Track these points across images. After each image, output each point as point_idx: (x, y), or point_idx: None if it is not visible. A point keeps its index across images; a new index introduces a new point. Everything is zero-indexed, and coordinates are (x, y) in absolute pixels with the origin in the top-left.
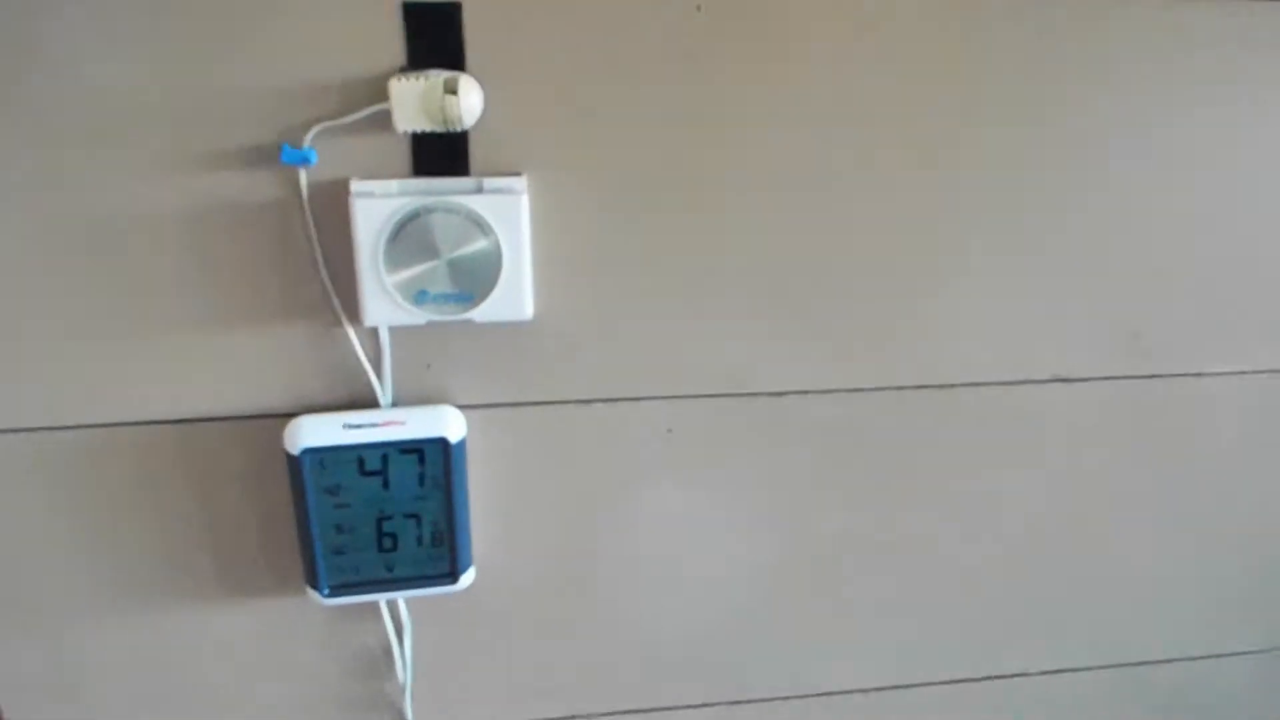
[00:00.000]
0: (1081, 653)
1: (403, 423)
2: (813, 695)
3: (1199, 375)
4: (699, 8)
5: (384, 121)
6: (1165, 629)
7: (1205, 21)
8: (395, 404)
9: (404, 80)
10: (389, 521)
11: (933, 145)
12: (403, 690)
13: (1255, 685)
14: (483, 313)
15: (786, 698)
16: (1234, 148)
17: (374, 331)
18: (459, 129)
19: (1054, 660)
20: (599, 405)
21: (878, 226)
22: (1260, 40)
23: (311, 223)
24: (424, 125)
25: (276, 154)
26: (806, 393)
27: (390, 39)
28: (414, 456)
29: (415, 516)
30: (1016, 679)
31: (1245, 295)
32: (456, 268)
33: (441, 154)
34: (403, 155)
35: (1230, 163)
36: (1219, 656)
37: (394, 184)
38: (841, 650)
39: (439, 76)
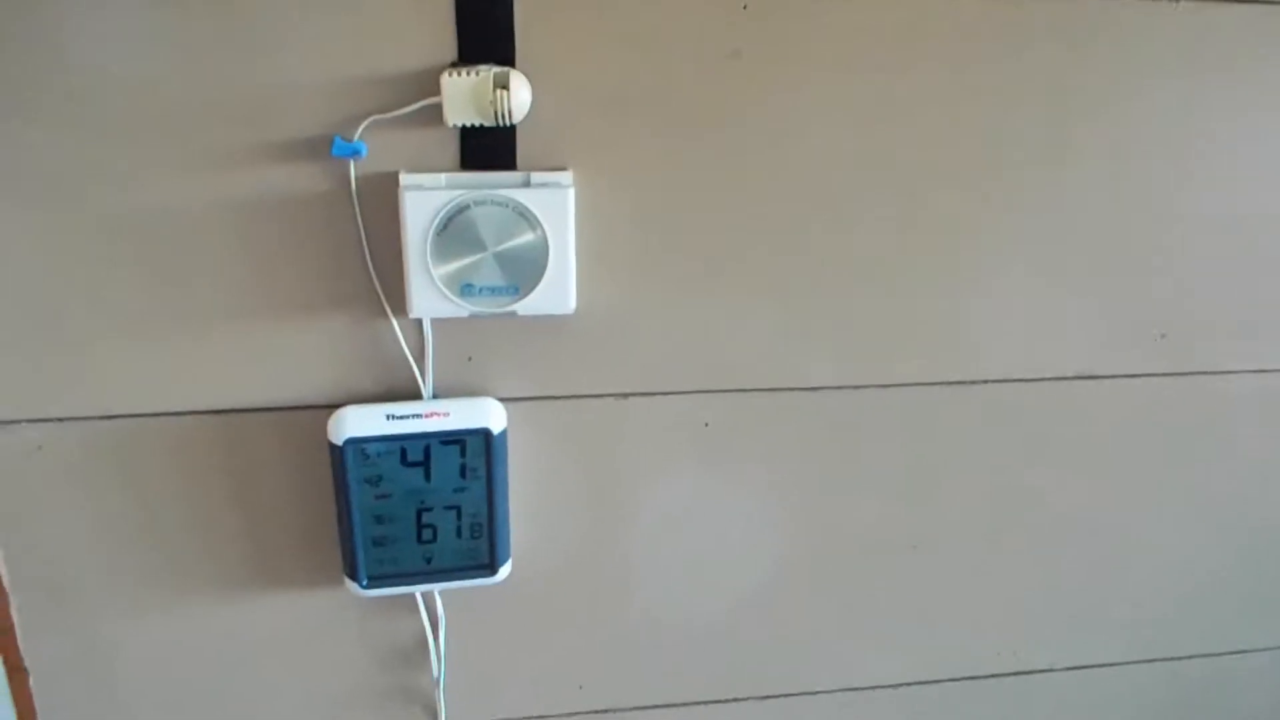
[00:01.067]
0: (1107, 649)
1: (446, 414)
2: (843, 690)
3: (1225, 373)
4: (745, 6)
5: (434, 115)
6: (1190, 625)
7: (1234, 22)
8: (436, 396)
9: (455, 75)
10: (429, 513)
11: (966, 150)
12: (435, 683)
13: (1279, 681)
14: (528, 306)
15: (817, 692)
16: (1261, 148)
17: (417, 323)
18: (508, 124)
19: (1079, 656)
20: (637, 399)
21: (910, 225)
22: None
23: (360, 215)
24: (474, 119)
25: (327, 147)
26: (839, 388)
27: (442, 33)
28: (456, 448)
29: (455, 508)
30: (1042, 674)
31: (1272, 294)
32: (503, 260)
33: (490, 148)
34: (451, 149)
35: (1257, 163)
36: (1244, 652)
37: (443, 177)
38: (872, 645)
39: (490, 71)
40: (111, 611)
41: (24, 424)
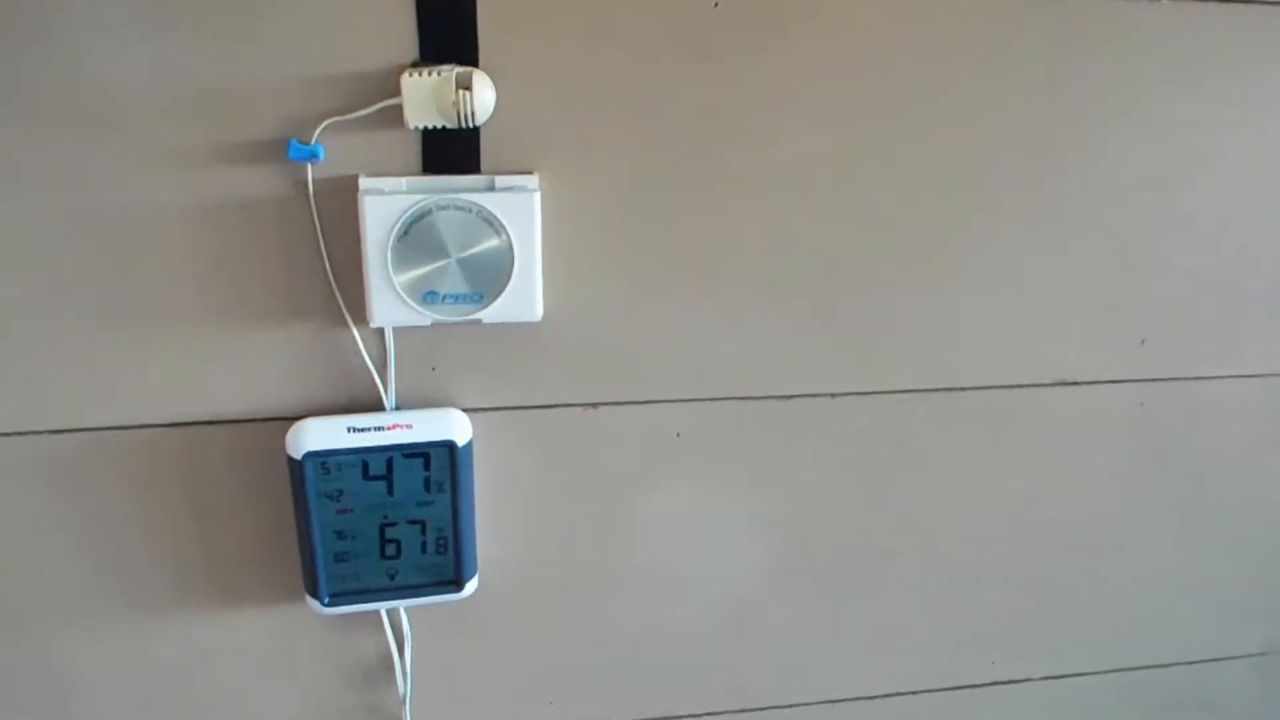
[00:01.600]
0: (1085, 658)
1: (409, 426)
2: (819, 702)
3: (1203, 379)
4: (716, 4)
5: (394, 117)
6: (1168, 632)
7: (1225, 24)
8: (399, 407)
9: (416, 75)
10: (392, 528)
11: (944, 151)
12: (402, 701)
13: (1257, 689)
14: (493, 313)
15: (793, 705)
16: (1242, 152)
17: (378, 332)
18: (471, 125)
19: (1057, 665)
20: (606, 409)
21: (884, 229)
22: (1276, 45)
23: (318, 220)
24: (436, 121)
25: (283, 149)
26: (815, 396)
27: (402, 32)
28: (419, 461)
29: (419, 523)
30: (1021, 684)
31: (1251, 300)
32: (467, 267)
33: (453, 151)
34: (413, 152)
35: (1237, 168)
36: (1221, 660)
37: (404, 181)
38: (847, 656)
39: (452, 71)
40: (66, 628)
41: None
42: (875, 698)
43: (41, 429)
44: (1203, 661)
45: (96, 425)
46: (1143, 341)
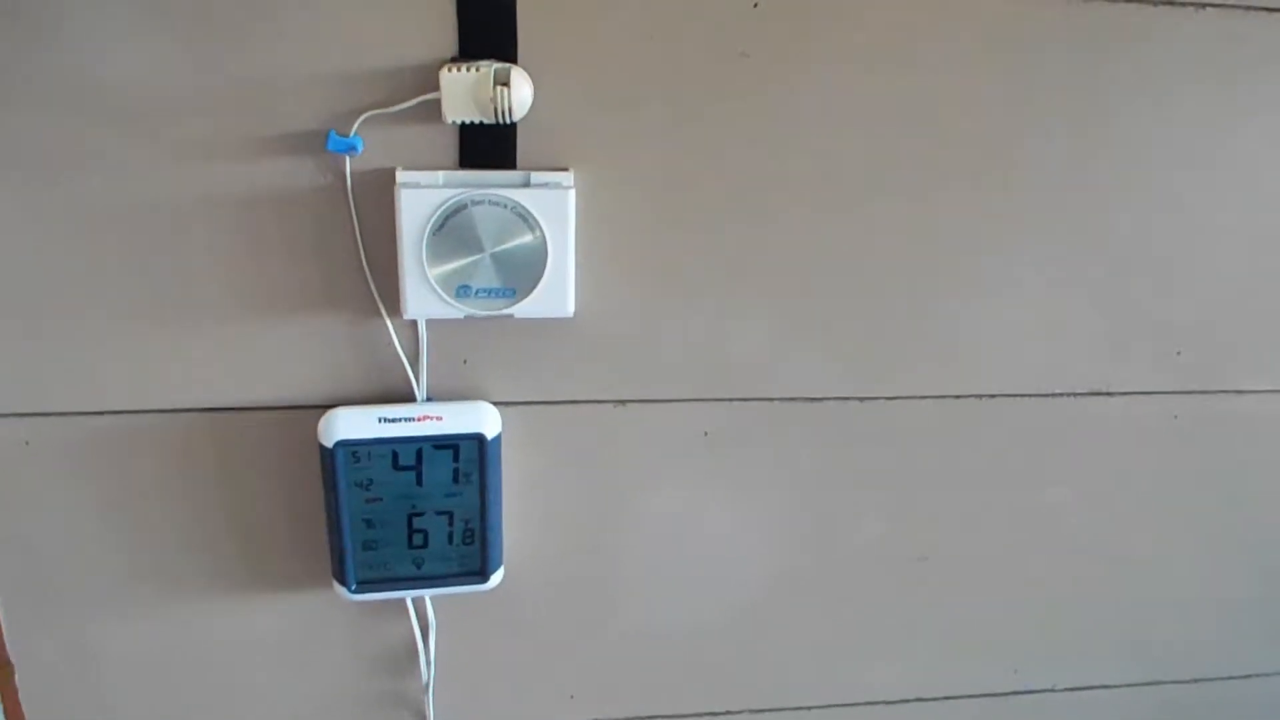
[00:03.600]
0: (1110, 670)
1: (439, 418)
2: (839, 705)
3: (1242, 393)
4: (755, 5)
5: (433, 111)
6: (1196, 648)
7: (1260, 31)
8: (430, 398)
9: (455, 70)
10: (420, 518)
11: (980, 156)
12: (425, 688)
13: None
14: (525, 309)
15: (811, 707)
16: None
17: (411, 324)
18: (508, 121)
19: (1082, 677)
20: (635, 405)
21: (921, 235)
22: None
23: (355, 212)
24: (473, 116)
25: (322, 141)
26: (845, 399)
27: (443, 28)
28: (449, 452)
29: (447, 513)
30: (1043, 694)
31: None
32: (500, 262)
33: (489, 146)
34: (450, 146)
35: (1276, 178)
36: (1249, 677)
37: (440, 175)
38: (869, 660)
39: (490, 68)
40: (98, 608)
41: (12, 418)
42: (894, 702)
43: (80, 410)
44: (1231, 678)
45: (133, 408)
46: (1178, 353)
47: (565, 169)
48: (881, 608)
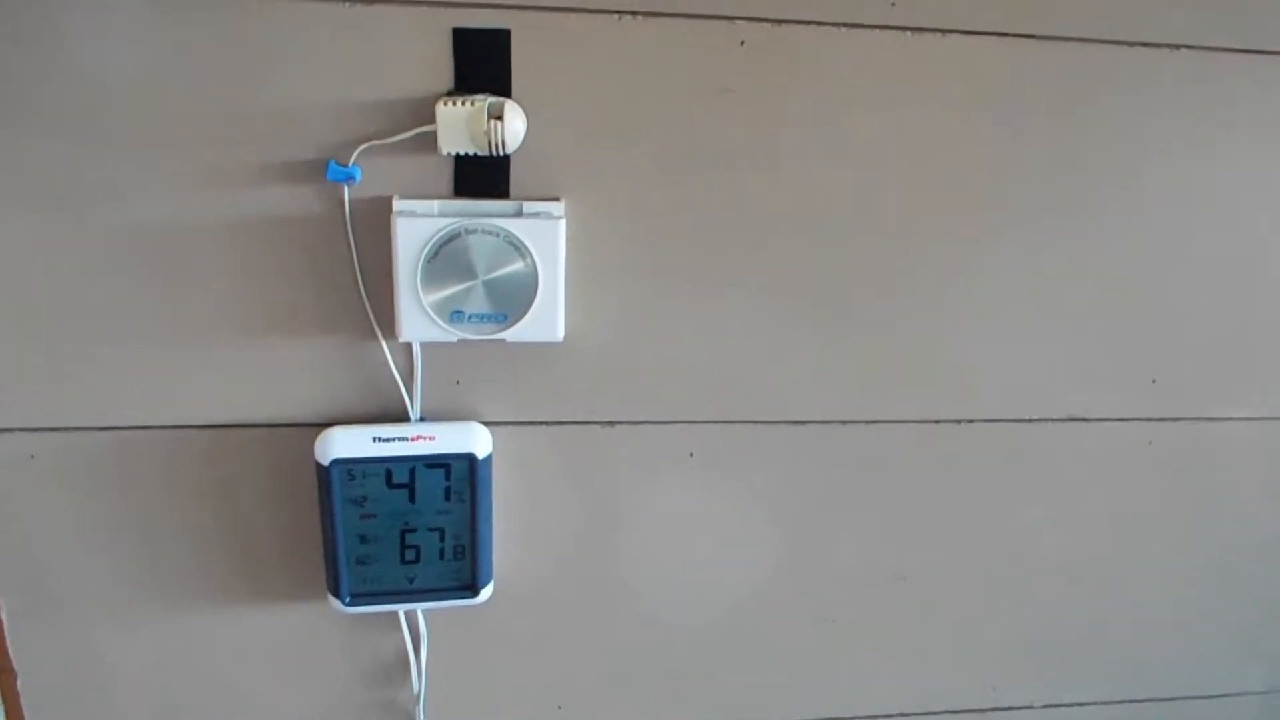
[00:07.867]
0: (1087, 688)
1: (432, 437)
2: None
3: (1213, 420)
4: (742, 43)
5: (429, 143)
6: (1171, 667)
7: (1235, 71)
8: (423, 419)
9: (450, 103)
10: (413, 534)
11: (960, 189)
12: (416, 699)
13: None
14: (516, 333)
15: None
16: (1259, 195)
17: (406, 347)
18: (502, 153)
19: (1059, 694)
20: (623, 427)
21: (904, 262)
22: None
23: (352, 239)
24: (468, 148)
25: (322, 170)
26: (827, 422)
27: (439, 62)
28: (441, 471)
29: (439, 530)
30: (1021, 711)
31: (1262, 342)
32: (492, 289)
33: (483, 177)
34: (445, 176)
35: (1255, 210)
36: (1224, 696)
37: (435, 204)
38: (850, 677)
39: (485, 101)
40: (99, 618)
41: (17, 432)
42: (878, 717)
43: (84, 425)
44: (1205, 697)
45: (136, 425)
46: (1153, 381)
47: (557, 199)
48: (862, 626)
